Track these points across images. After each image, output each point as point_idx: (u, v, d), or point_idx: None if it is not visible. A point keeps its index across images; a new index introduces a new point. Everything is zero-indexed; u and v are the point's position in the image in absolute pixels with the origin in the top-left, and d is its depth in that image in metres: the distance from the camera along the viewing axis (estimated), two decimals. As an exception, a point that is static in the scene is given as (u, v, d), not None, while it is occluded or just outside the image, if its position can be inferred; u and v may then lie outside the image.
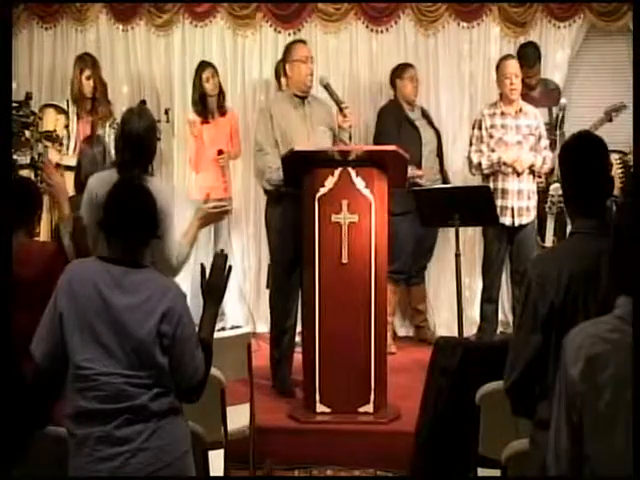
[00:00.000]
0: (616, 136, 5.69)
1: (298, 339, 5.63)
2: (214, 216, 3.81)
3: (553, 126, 5.85)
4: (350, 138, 5.16)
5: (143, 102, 6.30)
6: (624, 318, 1.99)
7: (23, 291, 2.96)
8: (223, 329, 5.73)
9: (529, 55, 6.03)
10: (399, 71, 6.14)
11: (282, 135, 5.06)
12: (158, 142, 6.04)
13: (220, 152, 6.10)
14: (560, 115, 5.81)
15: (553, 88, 6.20)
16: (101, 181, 3.73)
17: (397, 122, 6.01)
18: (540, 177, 5.75)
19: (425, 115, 6.18)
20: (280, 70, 6.01)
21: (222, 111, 6.20)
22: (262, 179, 5.13)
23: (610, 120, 5.85)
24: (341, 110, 5.08)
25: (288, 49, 5.31)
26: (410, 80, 6.09)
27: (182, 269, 3.70)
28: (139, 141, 3.67)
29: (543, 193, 5.65)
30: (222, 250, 3.00)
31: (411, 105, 6.11)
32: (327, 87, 5.16)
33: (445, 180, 6.07)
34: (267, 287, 6.37)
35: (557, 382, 2.07)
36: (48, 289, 2.82)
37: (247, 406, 4.13)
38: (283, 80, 5.76)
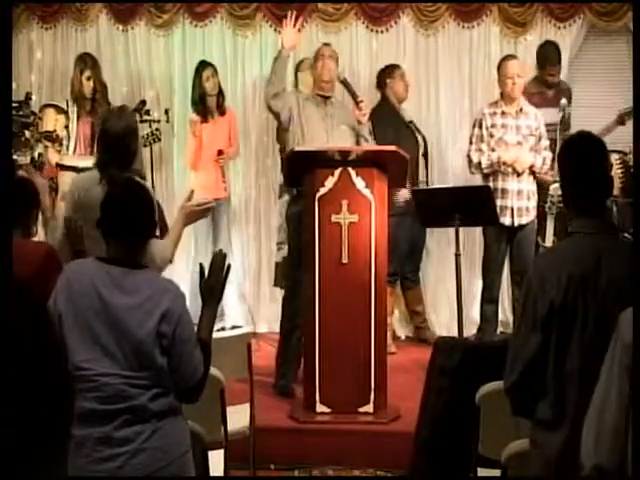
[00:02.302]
0: (616, 136, 5.70)
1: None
2: (199, 213, 3.79)
3: (564, 126, 5.85)
4: (370, 132, 5.14)
5: (143, 102, 6.31)
6: None
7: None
8: (223, 329, 5.73)
9: (551, 53, 6.05)
10: (389, 70, 6.15)
11: (300, 123, 5.07)
12: (158, 142, 6.19)
13: (220, 152, 6.11)
14: (560, 115, 5.80)
15: (565, 88, 6.20)
16: (82, 181, 3.75)
17: (393, 123, 6.03)
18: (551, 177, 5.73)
19: (411, 120, 6.20)
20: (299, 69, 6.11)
21: (221, 111, 6.21)
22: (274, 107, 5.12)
23: (622, 123, 5.85)
24: (357, 104, 5.09)
25: (316, 51, 5.35)
26: (401, 78, 6.11)
27: (166, 268, 3.69)
28: (117, 141, 3.66)
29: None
30: (221, 250, 3.00)
31: (401, 104, 6.11)
32: (344, 82, 5.16)
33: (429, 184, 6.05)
34: (274, 285, 6.39)
35: (608, 357, 2.08)
36: (42, 289, 2.82)
37: (247, 406, 4.13)
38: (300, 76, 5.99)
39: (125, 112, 3.92)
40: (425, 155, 6.15)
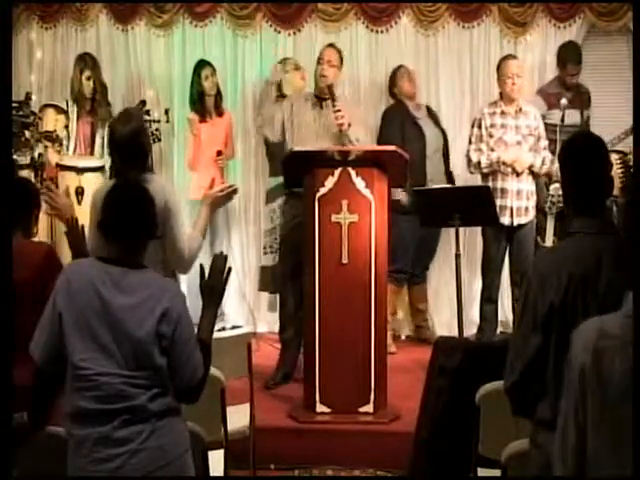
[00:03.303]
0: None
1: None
2: (223, 199, 3.83)
3: (584, 128, 5.86)
4: (349, 140, 4.98)
5: (143, 102, 6.31)
6: (630, 315, 2.00)
7: (17, 291, 2.96)
8: (223, 329, 5.73)
9: (573, 53, 6.06)
10: (393, 74, 6.22)
11: (292, 128, 5.09)
12: (158, 142, 6.18)
13: (219, 153, 6.10)
14: (561, 115, 5.80)
15: (583, 91, 6.20)
16: (102, 192, 3.73)
17: (400, 121, 6.03)
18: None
19: (431, 114, 6.19)
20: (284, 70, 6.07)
21: (219, 111, 6.20)
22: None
23: None
24: (334, 112, 4.97)
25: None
26: (406, 76, 6.14)
27: (195, 261, 3.71)
28: (128, 146, 3.65)
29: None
30: (221, 252, 3.01)
31: (413, 102, 6.13)
32: (329, 87, 5.14)
33: (450, 181, 6.06)
34: (259, 289, 6.37)
35: (565, 378, 2.07)
36: (42, 289, 2.82)
37: (247, 406, 4.13)
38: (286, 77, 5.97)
39: (130, 115, 3.90)
40: (444, 152, 6.12)
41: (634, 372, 1.94)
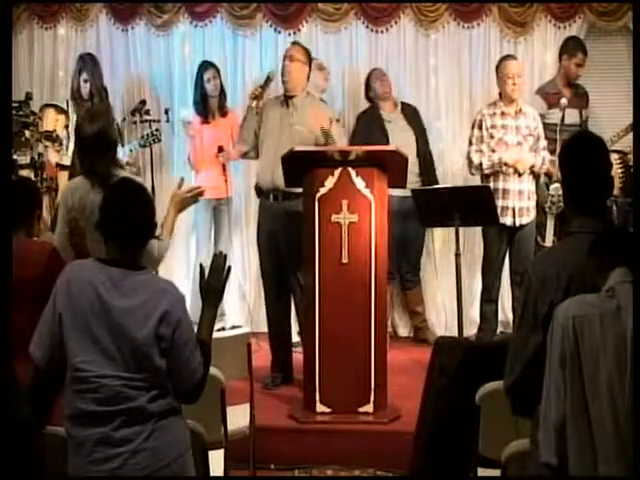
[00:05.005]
0: (616, 136, 5.71)
1: (298, 339, 5.67)
2: (190, 200, 3.82)
3: (583, 128, 5.86)
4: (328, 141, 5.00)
5: (143, 102, 6.32)
6: (608, 294, 2.14)
7: (20, 291, 2.96)
8: (223, 329, 5.73)
9: (581, 44, 6.09)
10: (367, 78, 6.25)
11: (260, 128, 5.20)
12: (158, 142, 6.17)
13: (220, 149, 6.09)
14: (560, 115, 5.81)
15: (582, 93, 6.21)
16: (73, 189, 3.75)
17: (368, 124, 6.10)
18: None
19: (406, 115, 6.17)
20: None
21: (223, 112, 6.19)
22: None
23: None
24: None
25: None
26: (378, 77, 6.17)
27: (163, 260, 3.71)
28: (93, 145, 3.68)
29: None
30: (221, 251, 3.01)
31: (388, 101, 6.13)
32: (267, 81, 5.25)
33: (429, 182, 6.01)
34: None
35: (547, 352, 2.11)
36: (46, 289, 2.82)
37: (247, 406, 4.13)
38: None
39: (96, 113, 3.91)
40: (421, 157, 6.10)
41: (633, 367, 1.95)
